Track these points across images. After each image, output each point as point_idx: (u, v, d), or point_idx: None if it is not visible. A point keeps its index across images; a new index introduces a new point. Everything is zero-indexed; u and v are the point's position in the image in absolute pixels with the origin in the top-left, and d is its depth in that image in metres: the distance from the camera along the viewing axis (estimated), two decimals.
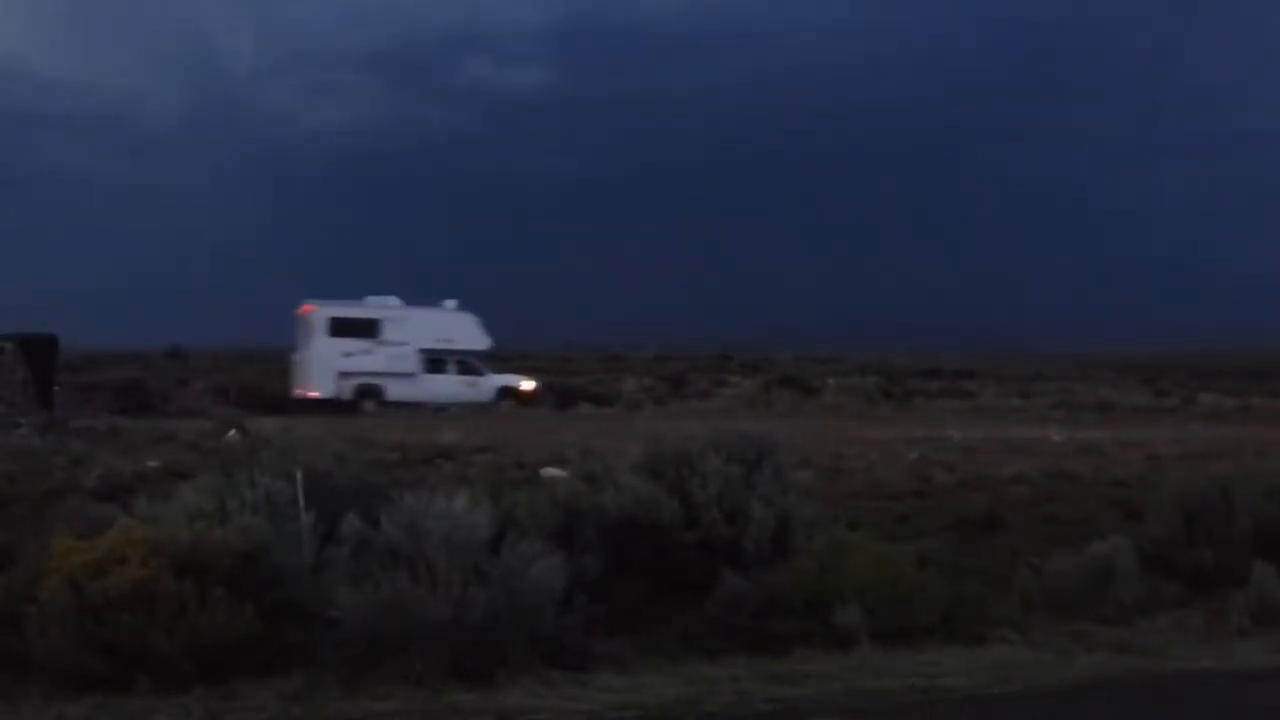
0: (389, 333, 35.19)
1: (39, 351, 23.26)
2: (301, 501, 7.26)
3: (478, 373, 35.98)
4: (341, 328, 35.07)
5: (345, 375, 34.59)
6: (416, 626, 6.34)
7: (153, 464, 15.04)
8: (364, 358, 34.90)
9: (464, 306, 37.21)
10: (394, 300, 36.28)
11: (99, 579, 6.24)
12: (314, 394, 33.84)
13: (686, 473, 8.38)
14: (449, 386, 35.04)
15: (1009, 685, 6.59)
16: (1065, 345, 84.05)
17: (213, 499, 7.45)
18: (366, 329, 35.23)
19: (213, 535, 6.73)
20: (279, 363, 38.84)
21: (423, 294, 38.22)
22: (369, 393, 34.60)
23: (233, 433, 20.59)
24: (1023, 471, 15.96)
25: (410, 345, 35.18)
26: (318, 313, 35.23)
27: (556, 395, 38.28)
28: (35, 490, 12.74)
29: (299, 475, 7.40)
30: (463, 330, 36.09)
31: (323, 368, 34.54)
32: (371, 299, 36.36)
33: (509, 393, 35.82)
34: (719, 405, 37.89)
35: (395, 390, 34.67)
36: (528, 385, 36.81)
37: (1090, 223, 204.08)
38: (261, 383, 39.00)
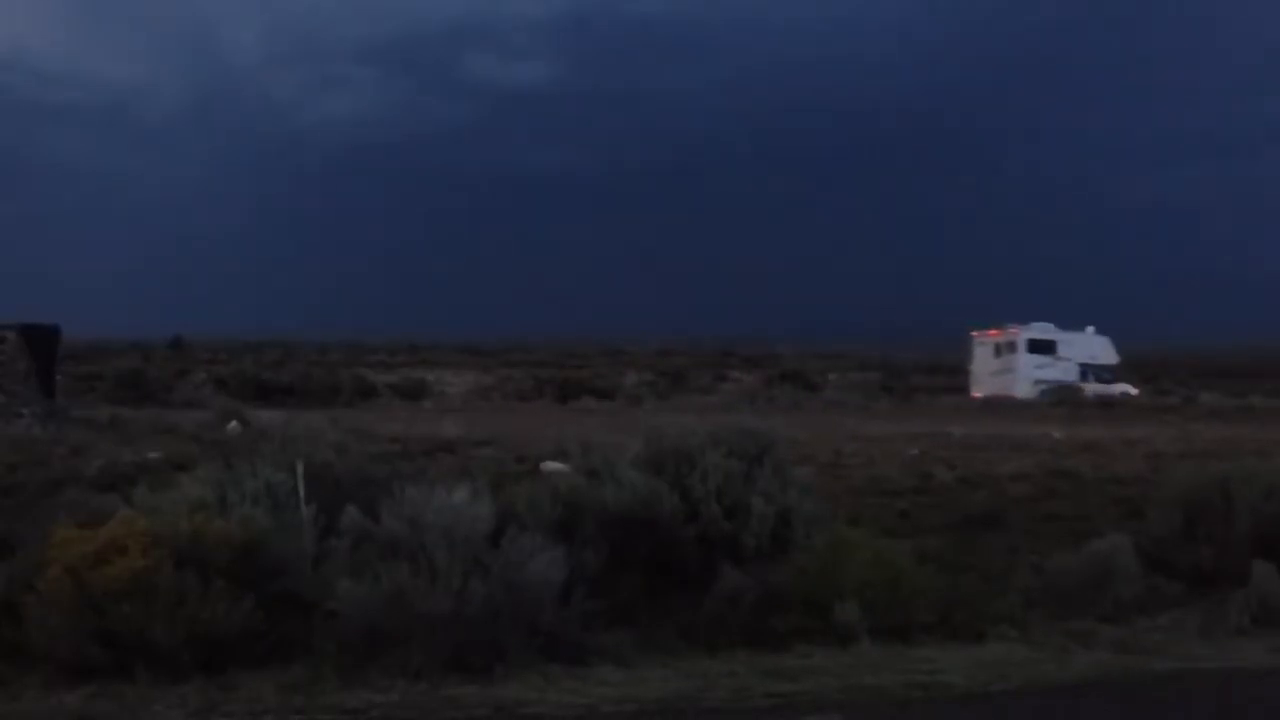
0: (1061, 351, 46.18)
1: (41, 341, 23.21)
2: (302, 493, 7.26)
3: (1109, 381, 45.47)
4: (1035, 347, 45.87)
5: (1037, 383, 44.63)
6: (416, 619, 6.33)
7: (153, 454, 15.05)
8: (1048, 369, 45.50)
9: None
10: (1051, 325, 46.91)
11: (99, 569, 6.24)
12: (1019, 396, 43.12)
13: (687, 468, 8.35)
14: (1092, 392, 43.34)
15: (1008, 683, 6.58)
16: None
17: (213, 490, 7.45)
18: (1049, 348, 46.09)
19: (213, 526, 6.73)
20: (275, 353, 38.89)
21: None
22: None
23: (233, 424, 20.61)
24: (1023, 469, 15.95)
25: (1073, 361, 45.97)
26: (1021, 335, 46.02)
27: (558, 389, 39.30)
28: (36, 479, 12.75)
29: (299, 467, 7.40)
30: (1102, 349, 46.97)
31: (1024, 377, 45.00)
32: (1036, 324, 46.70)
33: (1128, 395, 44.36)
34: (720, 400, 38.00)
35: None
36: (1134, 390, 45.71)
37: (1093, 221, 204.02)
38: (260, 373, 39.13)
